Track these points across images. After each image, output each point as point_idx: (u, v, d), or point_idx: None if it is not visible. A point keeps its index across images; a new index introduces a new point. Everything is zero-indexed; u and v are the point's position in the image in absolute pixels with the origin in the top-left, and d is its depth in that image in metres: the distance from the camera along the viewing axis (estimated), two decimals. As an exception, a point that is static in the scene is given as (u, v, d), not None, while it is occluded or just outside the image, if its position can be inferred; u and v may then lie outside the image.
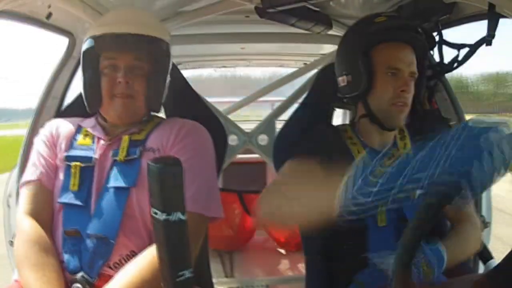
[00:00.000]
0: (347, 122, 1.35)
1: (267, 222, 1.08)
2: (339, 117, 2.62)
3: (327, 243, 1.15)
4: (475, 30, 1.32)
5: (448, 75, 1.49)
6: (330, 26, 1.66)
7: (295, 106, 1.61)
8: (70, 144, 1.13)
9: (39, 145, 1.14)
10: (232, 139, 1.92)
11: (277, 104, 2.19)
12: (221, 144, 1.28)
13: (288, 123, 1.39)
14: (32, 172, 1.11)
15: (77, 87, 1.43)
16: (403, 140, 1.18)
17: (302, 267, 2.13)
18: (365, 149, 1.13)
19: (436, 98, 1.50)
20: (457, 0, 1.25)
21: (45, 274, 0.97)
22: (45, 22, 1.37)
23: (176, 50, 1.26)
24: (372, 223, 1.07)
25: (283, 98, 2.12)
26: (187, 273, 0.63)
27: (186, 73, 1.91)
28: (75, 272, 1.02)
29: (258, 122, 2.03)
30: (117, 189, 1.05)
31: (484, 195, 1.49)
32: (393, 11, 1.46)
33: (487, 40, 1.16)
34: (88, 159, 1.09)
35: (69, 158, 1.10)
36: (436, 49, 1.34)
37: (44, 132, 1.16)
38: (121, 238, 1.03)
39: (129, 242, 1.03)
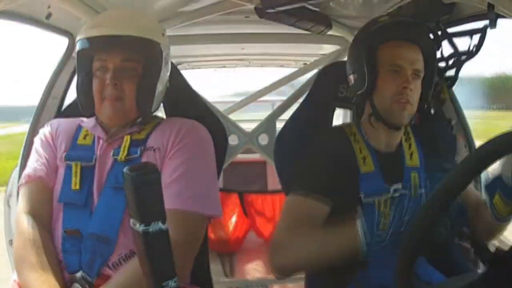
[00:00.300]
0: (347, 122, 1.34)
1: (285, 273, 1.10)
2: (339, 117, 2.62)
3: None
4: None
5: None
6: (330, 27, 1.66)
7: (295, 106, 1.61)
8: (71, 144, 1.13)
9: (39, 145, 1.14)
10: (233, 139, 1.92)
11: (277, 104, 2.20)
12: (222, 144, 1.28)
13: (289, 122, 1.39)
14: (31, 172, 1.11)
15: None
16: (408, 142, 1.18)
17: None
18: (368, 148, 1.14)
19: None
20: (457, 0, 1.25)
21: (43, 273, 0.97)
22: (45, 22, 1.37)
23: (176, 50, 1.25)
24: None
25: (284, 98, 2.13)
26: (172, 283, 0.60)
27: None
28: (75, 272, 1.02)
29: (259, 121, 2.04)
30: (117, 188, 1.05)
31: None
32: (393, 12, 1.46)
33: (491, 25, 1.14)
34: (88, 158, 1.09)
35: (69, 158, 1.10)
36: (444, 44, 1.32)
37: (44, 132, 1.16)
38: (121, 238, 1.02)
39: (129, 242, 1.02)
